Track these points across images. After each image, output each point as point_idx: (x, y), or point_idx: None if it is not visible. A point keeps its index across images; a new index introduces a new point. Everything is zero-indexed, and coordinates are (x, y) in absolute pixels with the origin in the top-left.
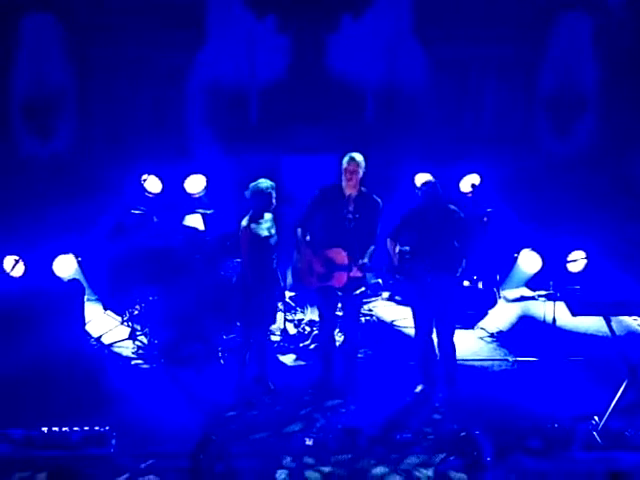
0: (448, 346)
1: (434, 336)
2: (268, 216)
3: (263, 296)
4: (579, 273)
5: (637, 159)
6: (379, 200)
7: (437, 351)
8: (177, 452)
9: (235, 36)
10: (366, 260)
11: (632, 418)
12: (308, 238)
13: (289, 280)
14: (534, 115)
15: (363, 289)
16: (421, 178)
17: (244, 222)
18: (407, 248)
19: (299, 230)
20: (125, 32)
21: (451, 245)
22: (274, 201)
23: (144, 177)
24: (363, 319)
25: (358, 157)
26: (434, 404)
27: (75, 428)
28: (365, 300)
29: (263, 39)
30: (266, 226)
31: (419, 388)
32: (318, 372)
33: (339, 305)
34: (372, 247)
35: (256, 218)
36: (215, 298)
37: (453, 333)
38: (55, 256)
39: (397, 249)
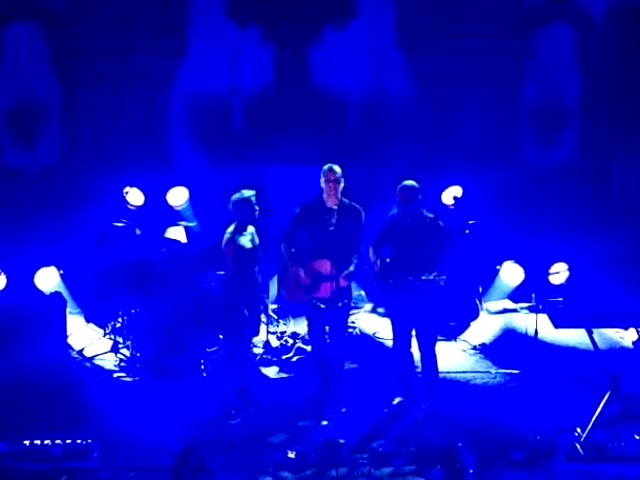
0: (430, 357)
1: (414, 348)
2: (250, 228)
3: (247, 308)
4: (562, 285)
5: (620, 170)
6: (361, 209)
7: (418, 362)
8: (159, 465)
9: (219, 48)
10: (352, 269)
11: (615, 430)
12: (293, 252)
13: (273, 292)
14: (517, 127)
15: (346, 301)
16: None
17: (228, 234)
18: (387, 259)
19: (283, 245)
20: (110, 43)
21: (430, 251)
22: (257, 211)
23: (126, 189)
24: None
25: (337, 168)
26: (416, 416)
27: (57, 441)
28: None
29: (247, 50)
30: (249, 238)
31: (397, 400)
32: (317, 387)
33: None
34: (357, 256)
35: (241, 230)
36: (197, 311)
37: (435, 344)
38: (37, 269)
39: (378, 261)
